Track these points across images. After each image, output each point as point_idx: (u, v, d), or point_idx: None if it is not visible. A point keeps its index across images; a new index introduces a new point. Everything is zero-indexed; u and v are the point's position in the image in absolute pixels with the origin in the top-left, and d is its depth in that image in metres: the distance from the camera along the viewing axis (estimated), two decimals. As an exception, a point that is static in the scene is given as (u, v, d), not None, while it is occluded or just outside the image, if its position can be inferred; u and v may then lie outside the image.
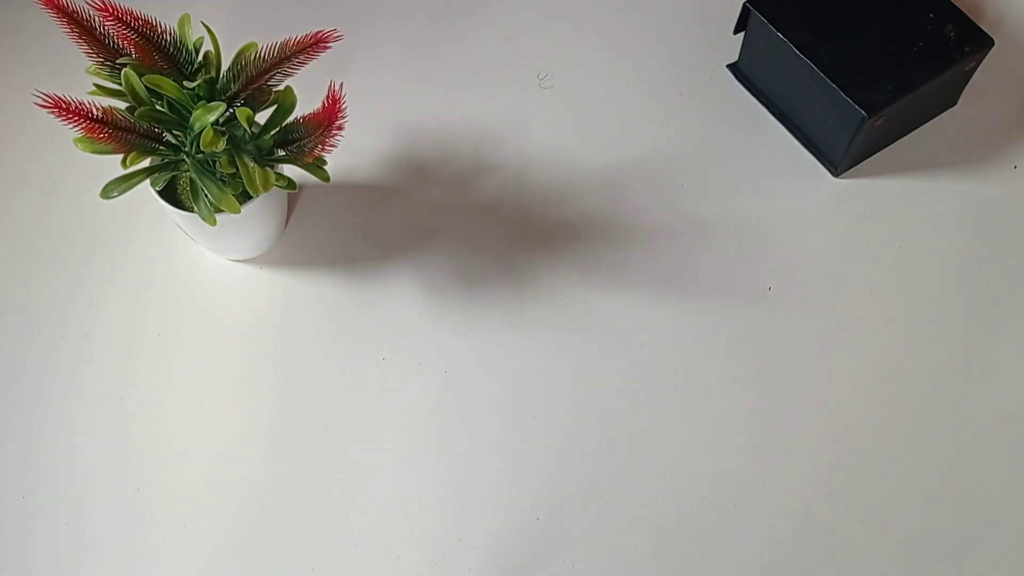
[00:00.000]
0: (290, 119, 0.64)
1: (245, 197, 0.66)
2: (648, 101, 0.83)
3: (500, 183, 0.79)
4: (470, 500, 0.67)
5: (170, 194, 0.68)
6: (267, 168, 0.63)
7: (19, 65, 0.84)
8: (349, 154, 0.74)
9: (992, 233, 0.77)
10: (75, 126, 0.56)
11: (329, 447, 0.68)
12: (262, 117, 0.65)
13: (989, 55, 0.76)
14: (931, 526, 0.66)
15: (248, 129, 0.62)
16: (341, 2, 0.88)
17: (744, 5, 0.78)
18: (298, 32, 0.60)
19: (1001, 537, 0.66)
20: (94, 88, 0.60)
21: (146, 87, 0.59)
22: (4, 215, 0.77)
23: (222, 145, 0.60)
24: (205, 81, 0.61)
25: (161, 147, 0.62)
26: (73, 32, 0.59)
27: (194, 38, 0.61)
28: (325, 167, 0.65)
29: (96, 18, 0.58)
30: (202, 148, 0.59)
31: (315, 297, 0.74)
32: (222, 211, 0.64)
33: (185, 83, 0.61)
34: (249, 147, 0.63)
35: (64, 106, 0.55)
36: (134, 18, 0.58)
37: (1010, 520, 0.66)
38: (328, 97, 0.59)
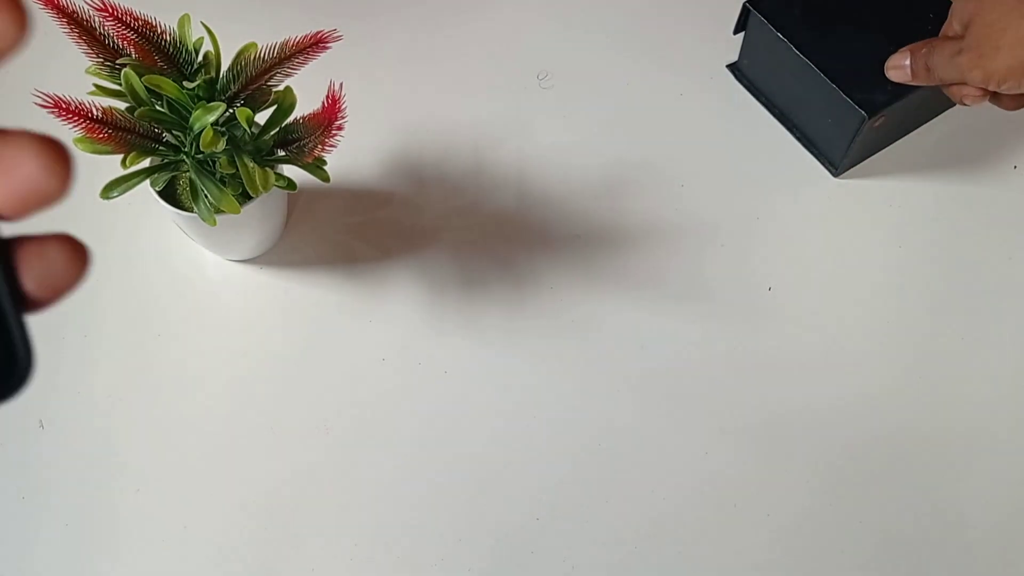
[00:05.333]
0: (290, 119, 0.64)
1: (245, 197, 0.66)
2: (648, 101, 0.83)
3: (500, 183, 0.79)
4: (470, 500, 0.67)
5: (170, 194, 0.68)
6: (267, 168, 0.63)
7: (18, 65, 0.84)
8: (349, 154, 0.74)
9: (992, 233, 0.77)
10: (75, 126, 0.56)
11: (329, 447, 0.68)
12: (262, 117, 0.65)
13: (989, 55, 0.76)
14: (932, 527, 0.66)
15: (248, 129, 0.62)
16: (341, 2, 0.88)
17: (744, 5, 0.78)
18: (298, 32, 0.60)
19: (999, 536, 0.66)
20: (94, 88, 0.60)
21: (146, 87, 0.59)
22: (4, 215, 0.77)
23: (222, 145, 0.60)
24: (205, 81, 0.61)
25: (161, 147, 0.62)
26: (73, 32, 0.59)
27: (194, 38, 0.61)
28: (325, 167, 0.65)
29: (96, 18, 0.58)
30: (202, 148, 0.59)
31: (315, 297, 0.74)
32: (222, 211, 0.64)
33: (185, 83, 0.61)
34: (249, 147, 0.63)
35: (64, 106, 0.55)
36: (134, 18, 0.58)
37: (1008, 520, 0.66)
38: (328, 97, 0.59)
